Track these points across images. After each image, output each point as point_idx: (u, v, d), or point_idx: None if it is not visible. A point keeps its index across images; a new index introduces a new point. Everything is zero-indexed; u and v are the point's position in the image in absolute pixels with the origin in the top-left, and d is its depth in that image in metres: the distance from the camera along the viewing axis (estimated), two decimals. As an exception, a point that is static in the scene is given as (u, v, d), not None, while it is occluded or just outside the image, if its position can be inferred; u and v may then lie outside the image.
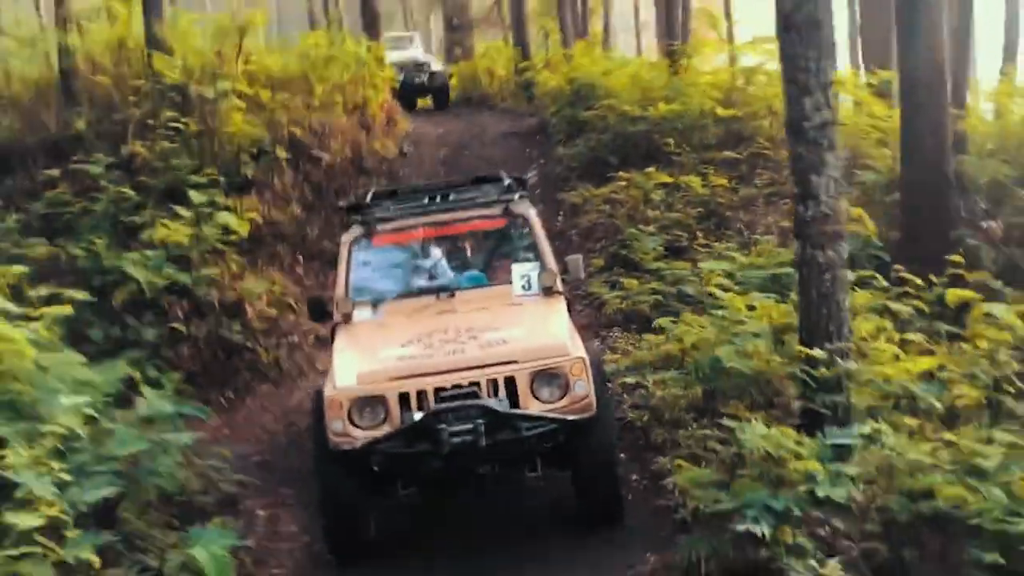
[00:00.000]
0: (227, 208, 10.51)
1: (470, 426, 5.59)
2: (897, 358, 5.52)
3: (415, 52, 22.46)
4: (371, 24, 18.25)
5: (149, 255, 9.55)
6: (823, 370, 5.13)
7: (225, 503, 6.37)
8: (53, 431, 4.58)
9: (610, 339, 8.80)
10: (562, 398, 5.80)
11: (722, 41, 19.45)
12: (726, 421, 4.98)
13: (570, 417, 5.74)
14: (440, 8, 30.09)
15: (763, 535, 3.97)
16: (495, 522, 6.50)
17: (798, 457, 4.23)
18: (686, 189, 11.70)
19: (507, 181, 7.51)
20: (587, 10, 23.78)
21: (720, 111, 13.38)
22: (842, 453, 4.47)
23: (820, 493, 4.02)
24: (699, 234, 10.86)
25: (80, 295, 7.41)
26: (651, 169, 11.95)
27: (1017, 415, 5.26)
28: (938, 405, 4.96)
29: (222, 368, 9.20)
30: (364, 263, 7.22)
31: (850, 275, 6.01)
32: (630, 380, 7.31)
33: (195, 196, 10.37)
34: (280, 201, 11.43)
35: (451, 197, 7.48)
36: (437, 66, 22.08)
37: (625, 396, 7.29)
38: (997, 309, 5.70)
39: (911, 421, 4.72)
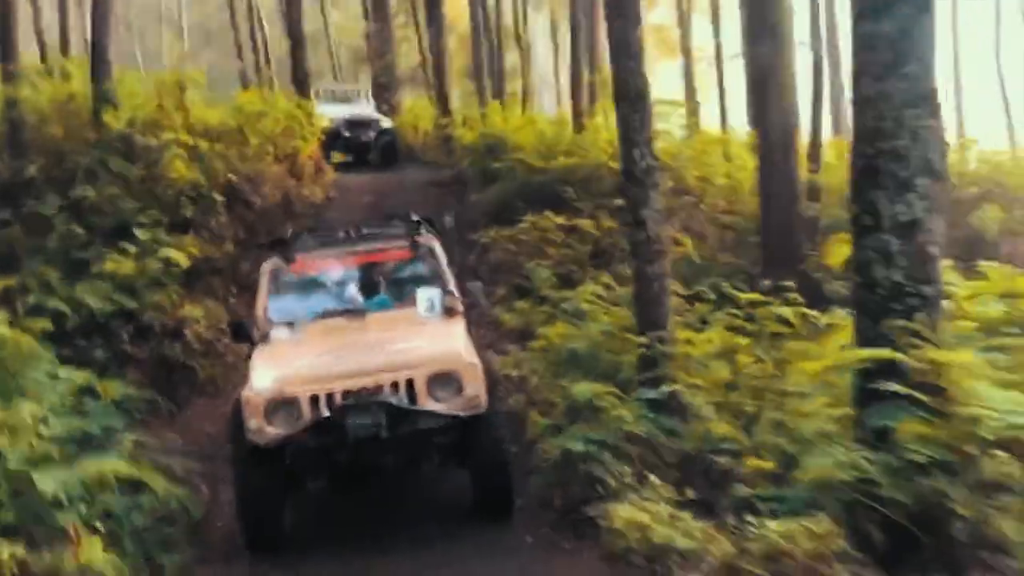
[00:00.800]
0: (168, 245, 11.76)
1: (372, 419, 6.20)
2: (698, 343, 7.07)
3: (362, 108, 22.29)
4: (301, 82, 19.59)
5: (100, 285, 10.75)
6: (646, 350, 6.66)
7: (174, 479, 7.53)
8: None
9: (506, 351, 10.24)
10: (456, 397, 6.39)
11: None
12: (563, 382, 6.45)
13: (463, 414, 6.34)
14: (368, 67, 31.52)
15: (584, 451, 5.41)
16: (399, 514, 7.19)
17: (615, 407, 5.71)
18: (581, 230, 13.30)
19: (415, 218, 8.42)
20: (502, 71, 25.47)
21: (613, 164, 15.10)
22: (655, 406, 5.97)
23: (626, 428, 5.47)
24: (589, 268, 12.43)
25: (41, 322, 8.63)
26: (549, 213, 13.54)
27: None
28: (726, 374, 6.51)
29: (165, 383, 10.35)
30: (281, 290, 7.85)
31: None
32: (513, 373, 8.73)
33: (140, 234, 11.61)
34: (216, 239, 12.68)
35: (364, 231, 8.28)
36: (386, 123, 21.83)
37: (510, 387, 8.65)
38: (784, 311, 7.27)
39: (706, 383, 6.26)
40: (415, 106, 27.36)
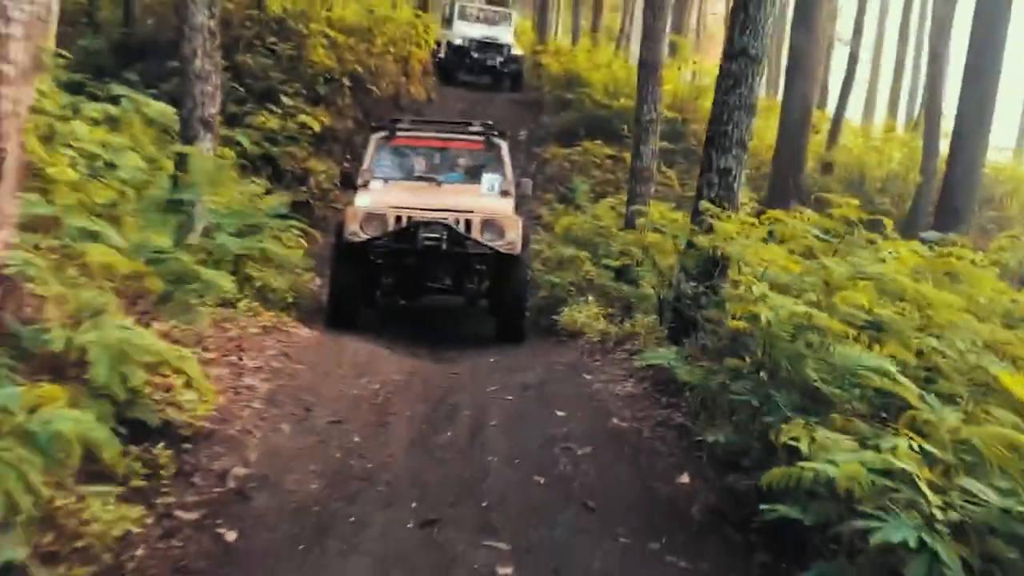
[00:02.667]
0: (304, 112, 15.28)
1: (437, 235, 8.31)
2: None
3: (498, 32, 21.95)
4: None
5: (251, 132, 14.33)
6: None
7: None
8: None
9: (537, 233, 13.59)
10: (499, 239, 8.44)
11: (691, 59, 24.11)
12: (561, 249, 9.85)
13: (501, 249, 8.41)
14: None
15: (558, 282, 8.86)
16: (440, 332, 9.44)
17: (584, 264, 9.11)
18: (622, 160, 16.50)
19: (491, 124, 10.59)
20: (601, 8, 28.10)
21: (667, 113, 18.17)
22: (616, 272, 9.34)
23: (587, 277, 8.89)
24: (621, 189, 15.66)
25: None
26: (600, 142, 16.73)
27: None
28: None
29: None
30: (382, 156, 9.77)
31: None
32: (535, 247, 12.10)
33: (284, 100, 15.16)
34: (340, 114, 16.15)
35: (450, 125, 10.74)
36: (517, 50, 21.71)
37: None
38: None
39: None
40: (519, 27, 30.23)
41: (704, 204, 6.44)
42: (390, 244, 8.43)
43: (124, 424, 4.00)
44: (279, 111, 14.85)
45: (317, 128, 14.87)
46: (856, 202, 6.21)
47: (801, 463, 3.10)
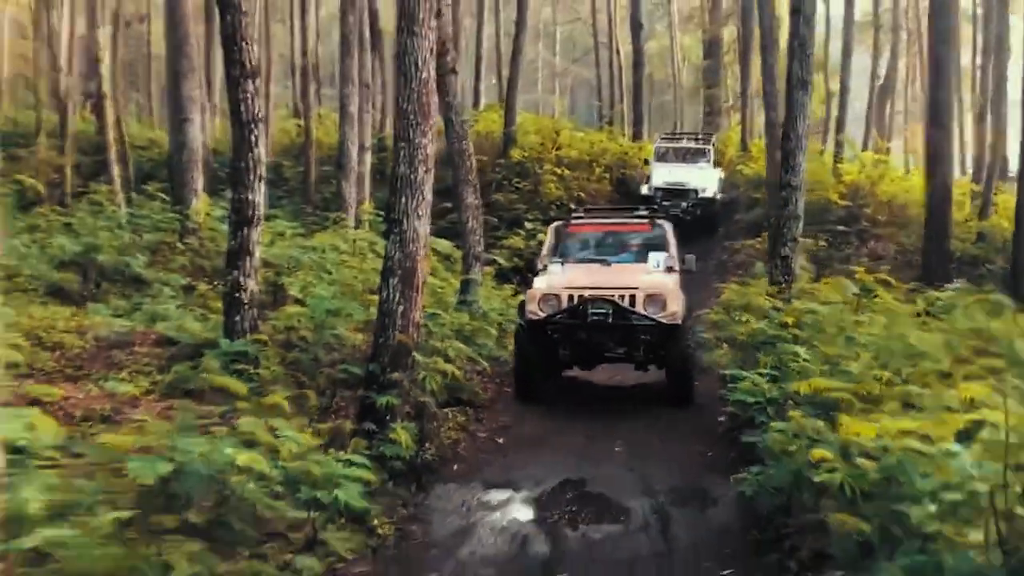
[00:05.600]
0: (543, 232, 20.25)
1: (604, 310, 9.18)
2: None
3: (689, 173, 21.54)
4: (636, 123, 27.55)
5: (504, 252, 19.53)
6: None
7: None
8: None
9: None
10: (661, 312, 9.30)
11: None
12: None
13: (664, 321, 9.22)
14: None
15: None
16: (614, 400, 10.50)
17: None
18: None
19: (655, 209, 12.96)
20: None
21: (838, 199, 21.69)
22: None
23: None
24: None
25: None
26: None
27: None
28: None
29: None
30: (560, 241, 10.90)
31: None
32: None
33: (527, 224, 20.33)
34: (568, 231, 21.05)
35: (620, 211, 12.08)
36: (709, 191, 21.30)
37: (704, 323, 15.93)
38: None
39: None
40: (729, 135, 34.25)
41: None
42: (562, 320, 9.43)
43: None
44: (523, 233, 19.99)
45: (551, 243, 19.84)
46: None
47: None
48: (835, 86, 28.79)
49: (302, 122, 23.09)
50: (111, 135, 17.76)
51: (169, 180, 16.61)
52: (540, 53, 41.42)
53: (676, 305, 9.46)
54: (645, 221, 11.27)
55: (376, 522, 5.73)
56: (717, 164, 23.59)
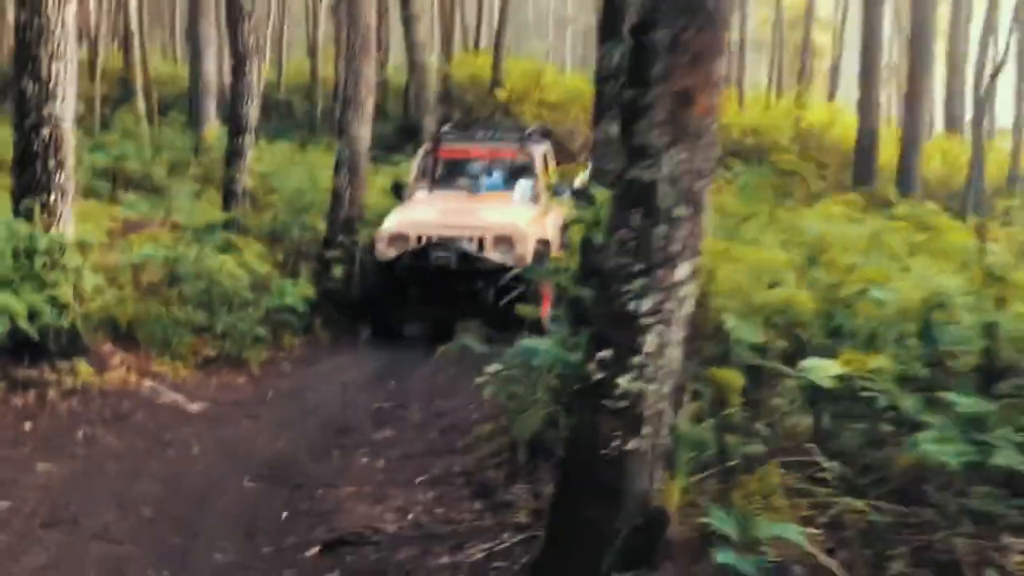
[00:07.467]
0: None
1: (448, 254, 8.77)
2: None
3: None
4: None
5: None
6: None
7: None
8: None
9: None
10: (509, 253, 8.73)
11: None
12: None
13: (510, 264, 8.34)
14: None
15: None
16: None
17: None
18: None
19: (528, 130, 11.03)
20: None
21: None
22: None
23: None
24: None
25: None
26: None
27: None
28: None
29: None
30: (430, 165, 10.44)
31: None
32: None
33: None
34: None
35: (492, 135, 10.93)
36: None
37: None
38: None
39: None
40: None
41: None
42: (409, 261, 9.05)
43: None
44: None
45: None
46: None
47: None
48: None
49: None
50: (137, 70, 20.22)
51: (188, 109, 19.32)
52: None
53: (524, 244, 8.88)
54: (515, 146, 10.52)
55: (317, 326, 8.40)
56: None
